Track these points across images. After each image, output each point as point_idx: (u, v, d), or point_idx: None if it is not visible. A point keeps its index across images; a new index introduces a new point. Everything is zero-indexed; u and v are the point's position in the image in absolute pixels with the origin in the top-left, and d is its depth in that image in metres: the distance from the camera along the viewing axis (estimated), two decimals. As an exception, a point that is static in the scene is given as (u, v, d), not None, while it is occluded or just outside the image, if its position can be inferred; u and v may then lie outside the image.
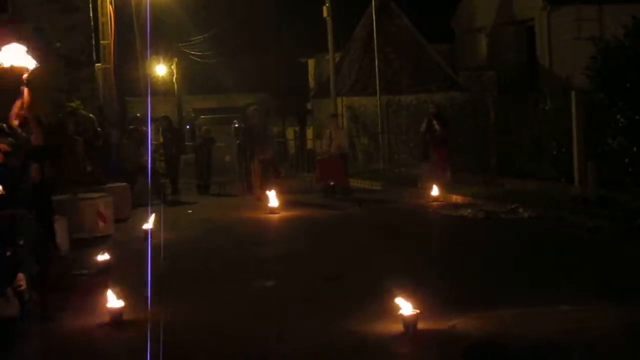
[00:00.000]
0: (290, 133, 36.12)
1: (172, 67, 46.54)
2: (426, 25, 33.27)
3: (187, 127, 43.75)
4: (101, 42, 25.74)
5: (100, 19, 25.38)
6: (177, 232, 14.87)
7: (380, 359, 7.16)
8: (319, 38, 32.55)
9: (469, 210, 16.44)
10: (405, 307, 7.62)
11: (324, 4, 29.66)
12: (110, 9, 25.37)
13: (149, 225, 14.12)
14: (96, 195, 15.59)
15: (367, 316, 8.19)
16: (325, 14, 29.78)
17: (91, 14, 24.74)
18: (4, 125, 9.10)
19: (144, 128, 20.60)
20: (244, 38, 40.86)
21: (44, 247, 9.37)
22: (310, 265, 11.65)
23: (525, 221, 15.13)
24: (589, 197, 15.42)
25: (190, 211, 19.11)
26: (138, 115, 24.83)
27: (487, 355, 7.15)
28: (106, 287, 8.74)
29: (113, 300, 8.48)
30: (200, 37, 41.07)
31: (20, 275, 8.53)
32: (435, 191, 18.89)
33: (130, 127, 22.04)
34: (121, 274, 10.62)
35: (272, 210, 17.65)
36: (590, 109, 17.04)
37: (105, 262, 11.58)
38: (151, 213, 14.69)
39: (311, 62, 43.59)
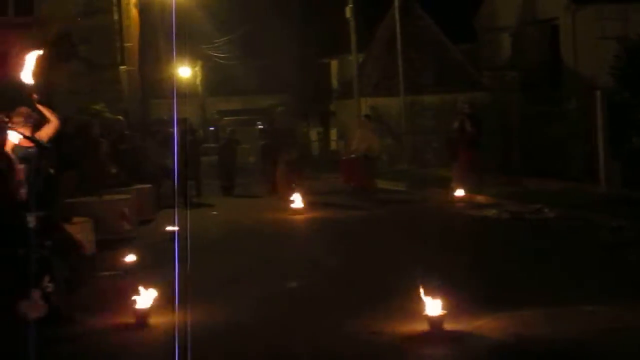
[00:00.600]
0: (313, 134, 36.13)
1: (196, 69, 46.66)
2: (449, 25, 33.16)
3: (211, 128, 43.84)
4: (125, 44, 25.84)
5: (125, 22, 25.50)
6: (202, 233, 14.86)
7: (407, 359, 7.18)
8: (342, 39, 32.55)
9: (494, 211, 16.38)
10: (431, 307, 7.62)
11: (346, 4, 29.65)
12: (134, 12, 25.50)
13: (174, 226, 14.16)
14: (121, 197, 15.66)
15: (392, 316, 8.19)
16: (348, 14, 29.79)
17: (116, 17, 24.84)
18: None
19: (169, 129, 20.64)
20: (267, 39, 40.87)
21: (70, 248, 9.42)
22: (334, 266, 11.63)
23: (549, 221, 15.06)
24: (614, 196, 15.32)
25: (215, 212, 19.12)
26: (164, 117, 24.91)
27: (514, 356, 7.12)
28: (132, 288, 8.78)
29: (139, 302, 8.53)
30: (223, 39, 41.15)
31: (47, 277, 8.57)
32: (459, 192, 18.82)
33: (155, 128, 22.10)
34: (147, 275, 10.67)
35: (297, 211, 17.67)
36: (615, 108, 16.93)
37: (131, 263, 11.63)
38: (176, 214, 14.71)
39: (334, 63, 43.56)
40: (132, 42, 25.93)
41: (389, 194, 21.75)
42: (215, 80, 46.69)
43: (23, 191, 8.54)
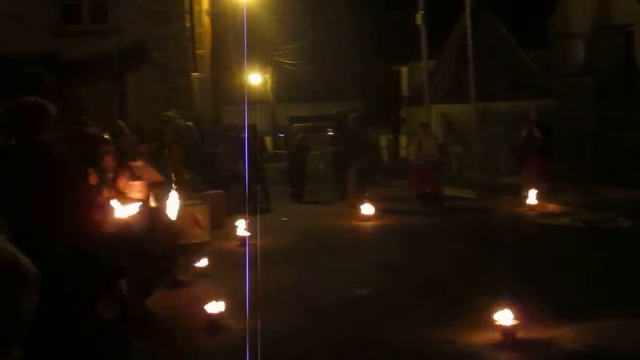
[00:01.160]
0: (383, 141, 36.07)
1: (267, 75, 46.98)
2: (521, 31, 32.88)
3: (281, 135, 44.08)
4: (197, 51, 26.11)
5: (197, 30, 25.77)
6: (273, 239, 14.96)
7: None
8: (413, 46, 32.47)
9: (567, 219, 16.17)
10: (504, 316, 7.56)
11: (417, 11, 29.58)
12: (207, 19, 25.77)
13: (245, 232, 14.29)
14: (193, 202, 15.82)
15: (464, 325, 8.15)
16: (418, 21, 29.69)
17: (188, 25, 25.12)
18: None
19: (241, 135, 20.78)
20: (337, 46, 40.99)
21: (145, 253, 9.55)
22: (405, 274, 11.61)
23: (625, 230, 14.81)
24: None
25: (285, 219, 19.19)
26: (237, 123, 25.07)
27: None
28: (205, 292, 8.88)
29: (212, 306, 8.62)
30: (294, 45, 41.36)
31: (122, 280, 8.70)
32: (531, 200, 18.61)
33: (232, 134, 22.28)
34: (219, 280, 10.77)
35: (366, 218, 17.66)
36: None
37: (203, 268, 11.76)
38: (247, 220, 14.84)
39: (404, 70, 43.49)
40: (204, 49, 26.17)
41: (459, 201, 21.60)
42: (286, 87, 46.98)
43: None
